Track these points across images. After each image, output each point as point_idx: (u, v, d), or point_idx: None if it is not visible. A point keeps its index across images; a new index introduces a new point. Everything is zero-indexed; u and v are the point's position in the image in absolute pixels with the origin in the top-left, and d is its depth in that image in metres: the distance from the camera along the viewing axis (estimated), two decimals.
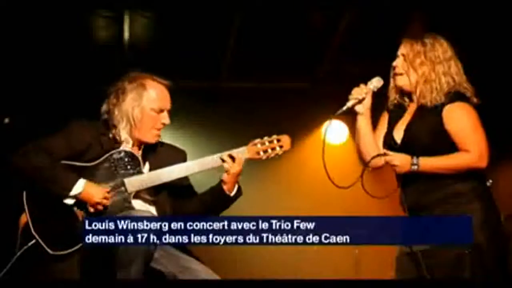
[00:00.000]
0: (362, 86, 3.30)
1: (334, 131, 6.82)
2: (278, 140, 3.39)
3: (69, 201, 3.24)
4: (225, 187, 3.35)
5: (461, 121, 3.19)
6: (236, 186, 3.38)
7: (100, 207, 3.23)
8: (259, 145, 3.37)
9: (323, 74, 6.71)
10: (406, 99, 3.36)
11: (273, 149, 3.38)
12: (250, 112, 6.69)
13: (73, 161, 3.29)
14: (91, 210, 3.23)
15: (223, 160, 3.32)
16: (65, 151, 3.29)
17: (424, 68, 3.24)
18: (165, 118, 3.37)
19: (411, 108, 3.33)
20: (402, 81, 3.30)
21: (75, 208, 3.24)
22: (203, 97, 6.72)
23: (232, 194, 3.37)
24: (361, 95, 3.28)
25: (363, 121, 3.33)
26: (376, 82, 3.31)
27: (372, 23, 5.90)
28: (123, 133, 3.33)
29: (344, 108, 3.29)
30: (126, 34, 6.02)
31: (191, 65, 6.38)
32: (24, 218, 3.27)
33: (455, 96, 3.21)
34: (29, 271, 3.25)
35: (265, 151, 3.37)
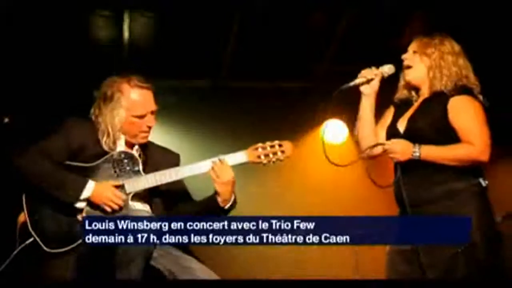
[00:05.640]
0: (373, 68, 3.34)
1: (334, 131, 6.81)
2: (280, 145, 3.35)
3: (80, 205, 3.24)
4: (220, 198, 3.29)
5: (466, 113, 3.21)
6: (232, 198, 3.32)
7: (114, 206, 3.23)
8: (260, 149, 3.34)
9: (323, 73, 6.70)
10: (414, 94, 3.39)
11: (274, 153, 3.35)
12: (250, 112, 6.68)
13: (73, 161, 3.29)
14: (108, 210, 3.23)
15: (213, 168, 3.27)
16: (65, 151, 3.28)
17: (435, 55, 3.29)
18: (149, 121, 3.35)
19: (418, 103, 3.36)
20: (411, 75, 3.35)
21: (88, 208, 3.24)
22: (203, 97, 6.71)
23: (227, 206, 3.31)
24: (370, 76, 3.31)
25: (367, 103, 3.37)
26: (387, 69, 3.37)
27: (372, 23, 5.90)
28: (109, 141, 3.32)
29: (351, 84, 3.32)
30: (126, 34, 6.01)
31: (191, 65, 6.38)
32: (23, 216, 3.27)
33: (462, 89, 3.25)
34: (26, 269, 3.25)
35: (266, 155, 3.35)
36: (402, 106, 3.41)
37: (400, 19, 5.76)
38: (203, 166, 3.31)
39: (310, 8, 5.84)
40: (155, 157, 3.42)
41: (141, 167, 3.33)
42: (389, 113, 3.46)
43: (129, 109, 3.32)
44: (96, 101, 3.38)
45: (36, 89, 6.17)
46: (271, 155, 3.34)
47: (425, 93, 3.34)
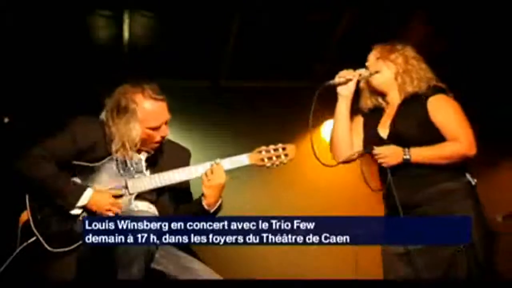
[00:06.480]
0: (350, 70, 3.36)
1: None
2: (284, 148, 3.36)
3: (76, 212, 3.24)
4: (205, 201, 3.29)
5: (448, 111, 3.25)
6: (218, 203, 3.31)
7: (111, 213, 3.23)
8: (263, 152, 3.35)
9: (323, 73, 6.70)
10: (382, 101, 3.40)
11: (278, 157, 3.35)
12: (249, 112, 6.68)
13: (79, 160, 3.28)
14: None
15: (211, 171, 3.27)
16: (70, 151, 3.26)
17: (400, 60, 3.32)
18: (163, 131, 3.33)
19: (391, 107, 3.36)
20: (377, 80, 3.36)
21: (85, 215, 3.24)
22: (203, 97, 6.71)
23: (212, 210, 3.29)
24: (349, 76, 3.32)
25: (343, 105, 3.39)
26: (364, 72, 3.37)
27: (372, 23, 5.90)
28: (124, 152, 3.28)
29: (330, 82, 3.34)
30: (126, 34, 6.01)
31: (191, 65, 6.38)
32: (25, 215, 3.27)
33: (436, 89, 3.28)
34: (28, 268, 3.25)
35: (270, 159, 3.35)
36: (371, 114, 3.42)
37: (400, 19, 5.76)
38: (204, 169, 3.31)
39: (310, 8, 5.84)
40: (164, 154, 3.41)
41: (144, 168, 3.33)
42: (358, 122, 3.46)
43: (143, 121, 3.27)
44: (108, 109, 3.31)
45: (36, 88, 6.17)
46: (274, 158, 3.35)
47: (395, 98, 3.34)
